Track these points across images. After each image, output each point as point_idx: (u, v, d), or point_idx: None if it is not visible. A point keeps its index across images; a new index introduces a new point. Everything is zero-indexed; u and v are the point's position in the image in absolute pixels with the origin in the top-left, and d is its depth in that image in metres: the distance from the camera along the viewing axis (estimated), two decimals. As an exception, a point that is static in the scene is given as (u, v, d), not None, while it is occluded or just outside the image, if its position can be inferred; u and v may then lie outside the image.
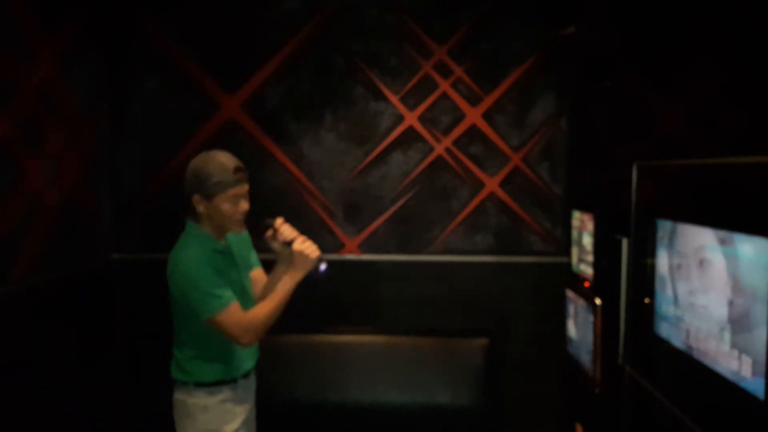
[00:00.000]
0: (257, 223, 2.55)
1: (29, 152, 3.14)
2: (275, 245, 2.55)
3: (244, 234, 2.61)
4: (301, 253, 2.46)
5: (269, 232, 2.54)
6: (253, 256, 2.72)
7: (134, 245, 3.99)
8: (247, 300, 2.55)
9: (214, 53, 3.99)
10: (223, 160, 2.43)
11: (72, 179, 3.53)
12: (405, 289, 4.02)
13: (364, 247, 4.04)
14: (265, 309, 2.44)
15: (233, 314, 2.39)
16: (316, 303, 3.95)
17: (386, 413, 3.70)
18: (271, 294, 2.48)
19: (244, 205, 2.46)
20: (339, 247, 4.03)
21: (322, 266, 2.49)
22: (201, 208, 2.42)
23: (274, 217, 2.55)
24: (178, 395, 2.55)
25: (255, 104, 3.99)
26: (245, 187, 2.46)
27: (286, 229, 2.52)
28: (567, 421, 3.62)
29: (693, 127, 2.48)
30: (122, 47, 3.99)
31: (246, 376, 2.61)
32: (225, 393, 2.53)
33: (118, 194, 4.01)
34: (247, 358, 2.61)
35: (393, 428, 3.71)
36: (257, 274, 2.71)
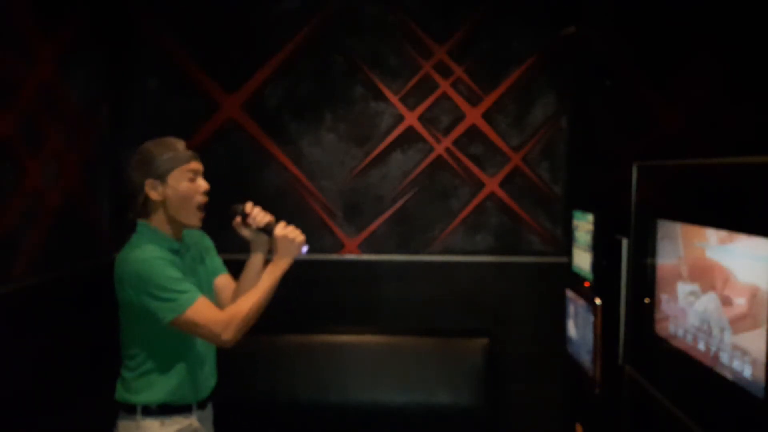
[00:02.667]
0: (222, 221, 2.34)
1: (29, 152, 3.14)
2: (246, 232, 2.31)
3: (205, 240, 2.42)
4: (285, 238, 2.22)
5: (237, 219, 2.30)
6: (218, 261, 2.45)
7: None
8: None
9: (214, 53, 3.99)
10: (168, 140, 2.23)
11: (72, 179, 3.53)
12: (405, 289, 4.02)
13: (364, 247, 4.04)
14: (249, 301, 2.16)
15: (205, 309, 2.12)
16: (316, 303, 3.96)
17: (386, 413, 3.70)
18: (255, 285, 2.22)
19: (203, 184, 2.21)
20: (339, 247, 4.03)
21: (304, 248, 2.27)
22: (155, 194, 2.17)
23: (242, 202, 2.33)
24: (122, 427, 2.23)
25: (255, 104, 3.99)
26: (200, 165, 2.23)
27: (258, 213, 2.27)
28: (567, 421, 3.62)
29: (693, 127, 2.48)
30: (122, 47, 3.99)
31: (202, 406, 2.32)
32: (180, 423, 2.22)
33: (118, 194, 4.01)
34: (204, 381, 2.32)
35: (393, 428, 3.71)
36: (224, 280, 2.43)
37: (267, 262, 2.35)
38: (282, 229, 2.25)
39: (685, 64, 2.54)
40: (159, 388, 2.21)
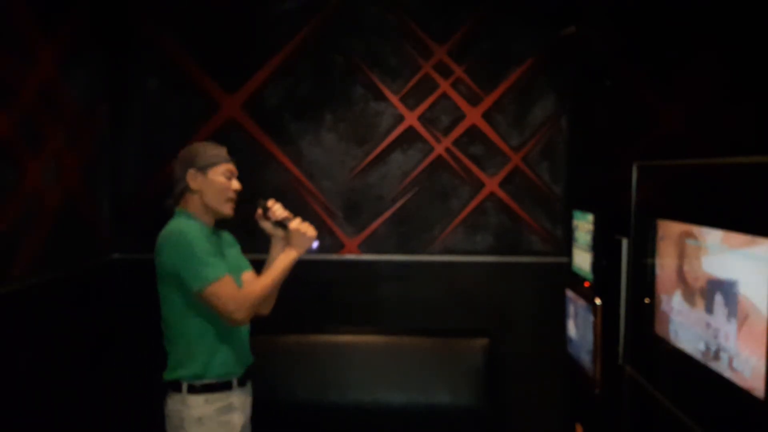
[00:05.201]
0: (254, 223, 2.52)
1: (29, 152, 3.14)
2: (266, 225, 2.53)
3: (234, 240, 2.61)
4: (297, 231, 2.46)
5: (258, 211, 2.52)
6: (244, 259, 2.64)
7: (134, 245, 3.98)
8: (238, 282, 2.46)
9: (214, 53, 3.99)
10: (214, 144, 2.50)
11: (72, 179, 3.53)
12: (405, 289, 4.02)
13: (364, 247, 4.04)
14: (260, 284, 2.39)
15: (228, 285, 2.32)
16: (316, 303, 3.96)
17: (386, 413, 3.70)
18: (267, 270, 2.45)
19: (236, 184, 2.47)
20: (339, 247, 4.03)
21: (315, 244, 2.50)
22: (195, 183, 2.41)
23: (266, 198, 2.53)
24: (171, 405, 2.40)
25: (255, 104, 3.99)
26: (235, 169, 2.50)
27: (278, 209, 2.51)
28: (567, 421, 3.62)
29: (693, 127, 2.48)
30: (122, 47, 3.98)
31: (242, 383, 2.48)
32: (222, 401, 2.40)
33: (118, 194, 4.01)
34: (241, 355, 2.49)
35: (393, 428, 3.71)
36: (250, 276, 2.60)
37: None
38: (297, 224, 2.48)
39: (685, 64, 2.54)
40: (198, 365, 2.37)
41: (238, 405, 2.46)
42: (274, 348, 3.79)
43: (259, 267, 2.56)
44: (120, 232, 4.01)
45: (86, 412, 3.55)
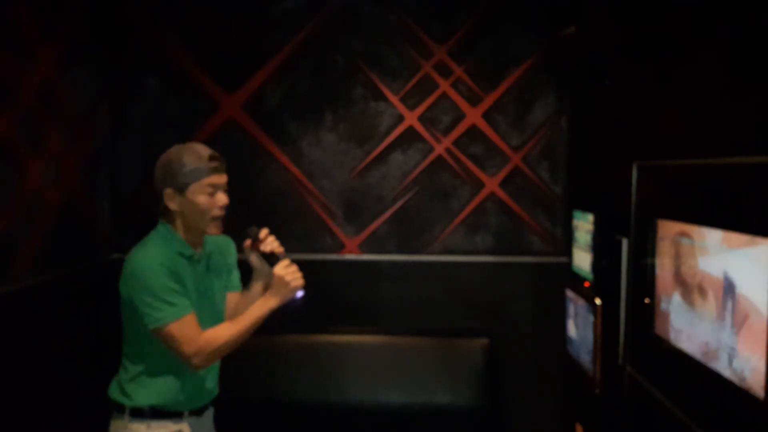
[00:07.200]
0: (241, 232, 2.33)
1: (29, 152, 3.14)
2: (253, 257, 2.28)
3: (231, 251, 2.39)
4: (281, 279, 2.14)
5: (247, 242, 2.26)
6: (236, 277, 2.41)
7: (134, 245, 3.98)
8: (215, 317, 2.26)
9: (214, 53, 3.99)
10: (197, 148, 2.18)
11: (72, 179, 3.53)
12: (405, 289, 4.02)
13: (365, 247, 4.04)
14: (228, 332, 2.13)
15: (187, 327, 2.08)
16: (316, 303, 3.95)
17: (386, 413, 3.70)
18: (239, 317, 2.16)
19: (222, 198, 2.17)
20: (339, 247, 4.03)
21: (299, 294, 2.18)
22: (174, 204, 2.15)
23: (260, 226, 2.28)
24: (113, 426, 2.22)
25: (255, 104, 3.99)
26: (223, 178, 2.18)
27: (271, 241, 2.22)
28: (567, 421, 3.62)
29: (693, 127, 2.48)
30: (122, 47, 3.98)
31: (197, 413, 2.25)
32: (165, 429, 2.17)
33: (118, 194, 4.01)
34: (201, 391, 2.26)
35: (393, 428, 3.71)
36: (236, 297, 2.38)
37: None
38: (283, 268, 2.17)
39: (685, 64, 2.54)
40: (148, 391, 2.19)
41: None
42: (274, 348, 3.79)
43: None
44: (120, 232, 4.01)
45: (86, 412, 3.55)
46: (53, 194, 3.34)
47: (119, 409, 2.21)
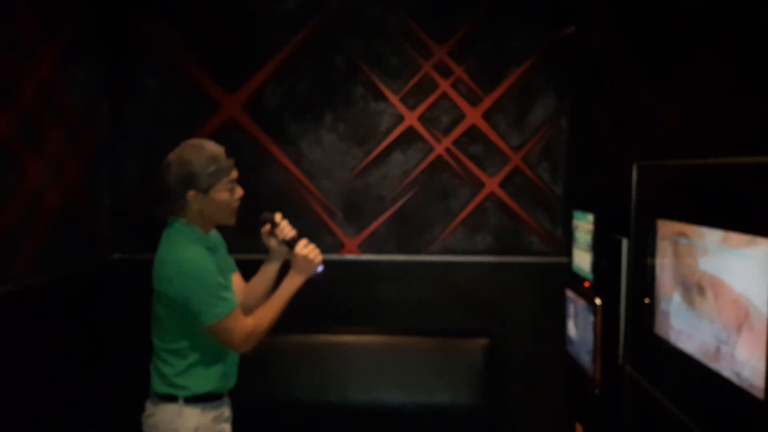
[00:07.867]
0: (252, 223, 2.46)
1: (29, 152, 3.14)
2: (272, 242, 2.44)
3: (221, 239, 2.48)
4: (305, 258, 2.36)
5: (266, 227, 2.42)
6: (231, 260, 2.53)
7: (134, 245, 3.99)
8: None
9: (214, 53, 3.99)
10: (211, 148, 2.27)
11: (72, 179, 3.53)
12: (405, 289, 4.02)
13: (364, 247, 4.04)
14: (269, 315, 2.31)
15: (239, 319, 2.24)
16: (316, 303, 3.95)
17: (386, 413, 3.70)
18: (271, 298, 2.35)
19: (239, 191, 2.32)
20: (339, 247, 4.03)
21: (320, 268, 2.42)
22: (197, 204, 2.24)
23: (273, 212, 2.44)
24: (162, 416, 2.31)
25: (255, 104, 3.99)
26: (236, 173, 2.32)
27: (285, 227, 2.40)
28: (567, 421, 3.62)
29: (693, 127, 2.48)
30: (122, 47, 3.98)
31: (230, 393, 2.47)
32: (217, 410, 2.36)
33: (118, 194, 4.01)
34: (235, 372, 2.46)
35: (393, 428, 3.71)
36: (236, 278, 2.52)
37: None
38: (303, 248, 2.38)
39: (685, 64, 2.54)
40: (202, 380, 2.31)
41: (227, 416, 2.46)
42: (274, 348, 3.79)
43: (255, 268, 2.53)
44: (120, 232, 4.01)
45: (86, 411, 3.55)
46: (53, 194, 3.34)
47: (169, 399, 2.31)
